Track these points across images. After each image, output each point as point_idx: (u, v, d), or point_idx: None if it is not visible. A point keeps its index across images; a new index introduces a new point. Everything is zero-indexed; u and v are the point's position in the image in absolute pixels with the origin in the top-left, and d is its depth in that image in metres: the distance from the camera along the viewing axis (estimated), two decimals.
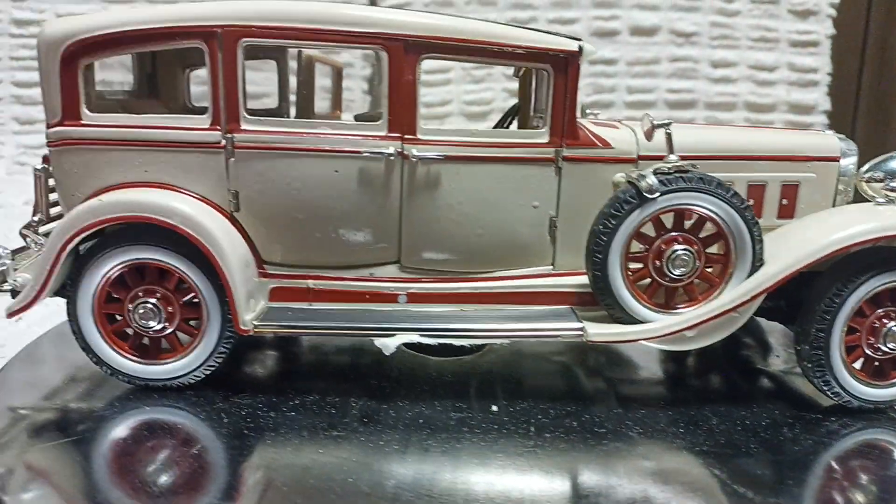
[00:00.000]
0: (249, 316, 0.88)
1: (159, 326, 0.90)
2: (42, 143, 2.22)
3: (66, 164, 0.89)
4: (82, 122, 0.88)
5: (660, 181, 0.86)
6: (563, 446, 0.82)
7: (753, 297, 0.87)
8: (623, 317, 0.90)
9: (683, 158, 0.89)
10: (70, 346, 0.93)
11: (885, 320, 0.89)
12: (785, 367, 1.07)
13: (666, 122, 0.88)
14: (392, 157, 0.88)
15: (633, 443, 0.83)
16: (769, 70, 2.35)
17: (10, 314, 0.90)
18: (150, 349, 0.92)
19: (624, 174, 0.92)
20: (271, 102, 1.22)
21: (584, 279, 0.93)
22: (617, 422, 0.87)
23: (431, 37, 0.87)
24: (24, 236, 0.96)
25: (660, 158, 0.91)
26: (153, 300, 0.90)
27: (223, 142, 0.88)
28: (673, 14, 2.32)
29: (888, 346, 0.89)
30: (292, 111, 1.22)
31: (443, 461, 0.78)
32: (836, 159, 1.00)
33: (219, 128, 0.88)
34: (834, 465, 0.81)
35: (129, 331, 0.91)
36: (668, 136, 0.88)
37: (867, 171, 0.91)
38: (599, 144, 0.94)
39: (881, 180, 0.89)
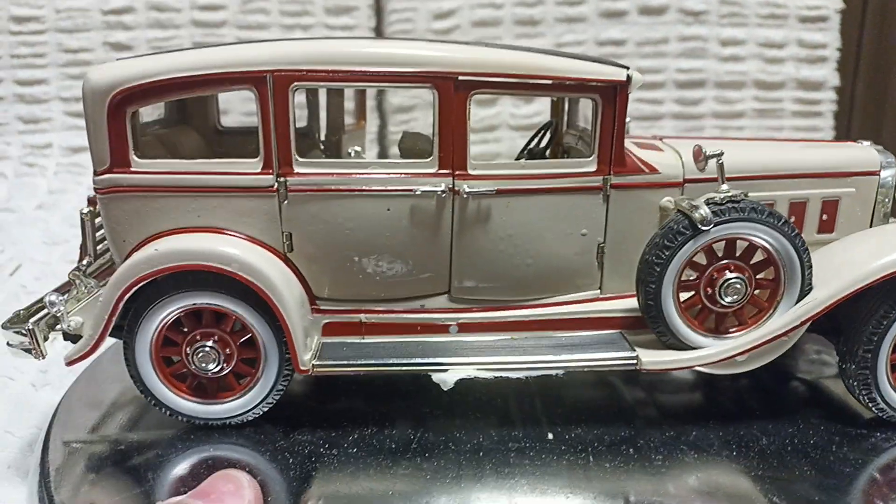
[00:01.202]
0: (308, 356, 0.89)
1: (217, 368, 0.90)
2: (48, 143, 2.20)
3: (115, 211, 0.88)
4: (132, 169, 0.87)
5: (713, 212, 0.87)
6: (623, 476, 0.83)
7: (803, 323, 0.89)
8: (675, 342, 0.91)
9: (728, 179, 0.90)
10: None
11: None
12: (822, 375, 1.09)
13: (718, 152, 0.88)
14: (443, 195, 0.88)
15: (690, 468, 0.85)
16: (778, 47, 2.33)
17: (70, 362, 0.90)
18: (208, 389, 0.93)
19: (672, 200, 0.93)
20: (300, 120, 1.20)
21: (631, 303, 0.94)
22: (671, 447, 0.89)
23: (481, 73, 0.86)
24: (72, 280, 0.95)
25: (705, 181, 0.92)
26: (210, 343, 0.89)
27: (276, 185, 0.88)
28: None
29: None
30: (322, 128, 1.21)
31: (498, 488, 0.80)
32: (876, 173, 1.00)
33: (271, 171, 0.87)
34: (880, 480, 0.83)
35: (187, 372, 0.91)
36: (721, 166, 0.88)
37: None
38: (646, 170, 0.94)
39: None
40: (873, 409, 0.93)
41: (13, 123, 2.19)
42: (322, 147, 1.20)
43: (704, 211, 0.86)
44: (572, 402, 1.00)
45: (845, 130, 2.41)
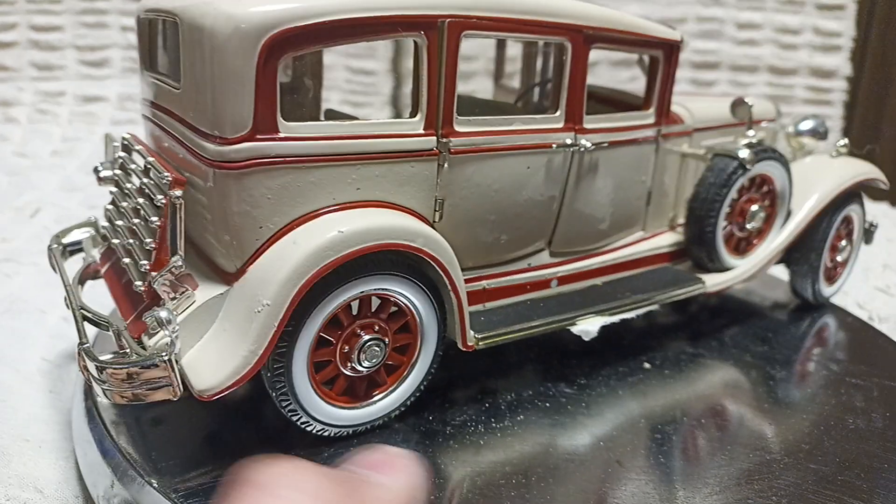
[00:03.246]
0: (472, 331, 0.80)
1: (377, 363, 0.76)
2: (62, 90, 2.17)
3: (257, 189, 0.68)
4: (280, 135, 0.67)
5: (754, 153, 1.00)
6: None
7: (796, 237, 1.08)
8: (716, 266, 1.04)
9: (699, 130, 1.05)
10: None
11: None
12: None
13: (751, 103, 1.03)
14: (571, 149, 0.86)
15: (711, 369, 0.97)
16: (794, 33, 2.34)
17: (213, 396, 0.66)
18: (357, 390, 0.78)
19: (696, 147, 1.05)
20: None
21: (669, 238, 1.05)
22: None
23: (604, 28, 0.85)
24: (165, 287, 0.69)
25: (704, 129, 1.07)
26: (371, 335, 0.75)
27: (437, 148, 0.77)
28: None
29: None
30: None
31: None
32: (775, 120, 1.20)
33: (433, 132, 0.76)
34: None
35: (337, 375, 0.76)
36: (751, 113, 1.04)
37: (795, 128, 1.16)
38: (678, 121, 1.02)
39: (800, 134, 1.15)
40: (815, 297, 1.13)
41: (27, 69, 2.16)
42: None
43: (748, 154, 0.99)
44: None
45: (850, 119, 2.44)
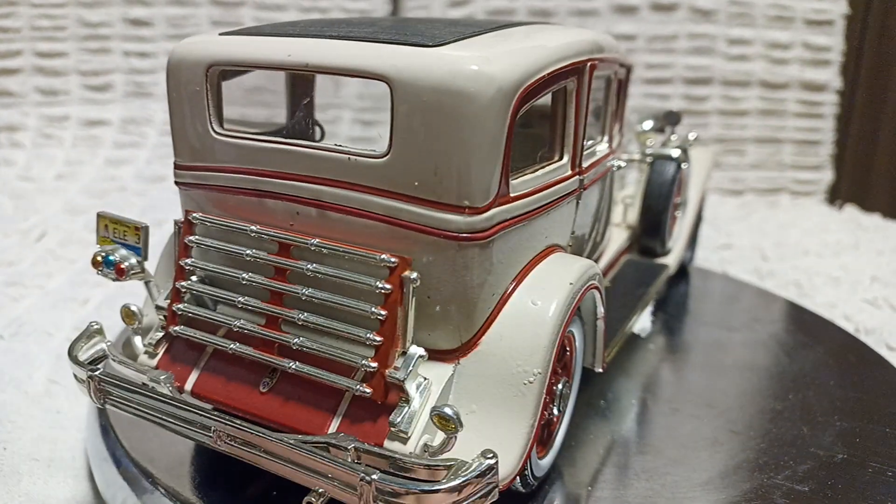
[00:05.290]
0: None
1: (561, 406, 0.74)
2: (66, 115, 2.21)
3: (495, 255, 0.64)
4: (511, 194, 0.64)
5: (682, 152, 1.18)
6: None
7: (696, 213, 1.30)
8: (662, 250, 1.17)
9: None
10: None
11: None
12: None
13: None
14: (617, 169, 0.97)
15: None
16: (784, 48, 2.39)
17: (510, 483, 0.61)
18: (543, 438, 0.73)
19: (651, 151, 1.17)
20: None
21: (620, 235, 1.14)
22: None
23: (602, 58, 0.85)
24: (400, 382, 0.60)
25: None
26: (561, 380, 0.73)
27: (579, 186, 0.78)
28: None
29: None
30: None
31: None
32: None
33: (576, 172, 0.77)
34: None
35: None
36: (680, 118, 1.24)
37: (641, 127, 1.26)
38: None
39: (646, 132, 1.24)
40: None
41: (31, 95, 2.21)
42: None
43: (680, 154, 1.17)
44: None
45: (844, 132, 2.47)
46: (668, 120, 1.26)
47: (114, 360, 0.69)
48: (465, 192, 0.59)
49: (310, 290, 0.64)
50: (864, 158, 2.47)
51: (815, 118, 2.41)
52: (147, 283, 0.73)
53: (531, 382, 0.62)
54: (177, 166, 0.73)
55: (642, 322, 0.99)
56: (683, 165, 1.17)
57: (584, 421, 0.85)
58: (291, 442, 0.57)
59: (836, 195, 2.40)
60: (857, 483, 0.74)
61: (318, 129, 0.92)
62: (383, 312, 0.61)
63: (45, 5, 2.18)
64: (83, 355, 0.70)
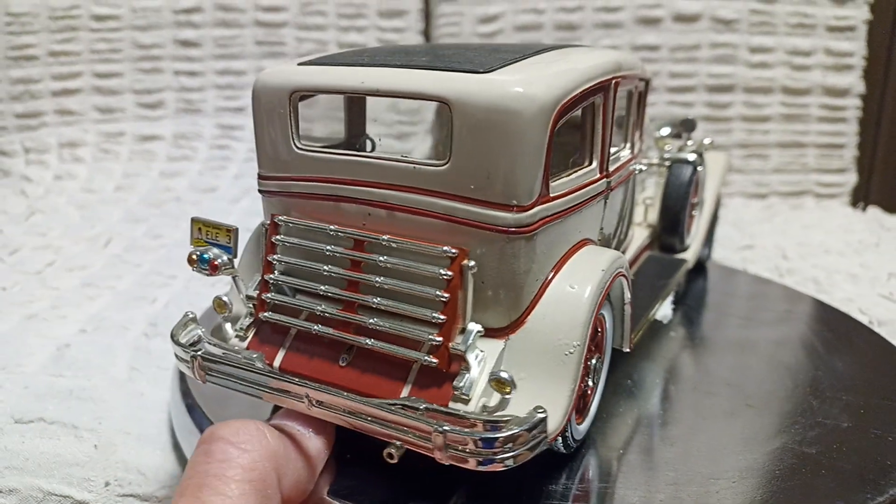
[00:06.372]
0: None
1: (597, 379, 0.86)
2: (122, 131, 2.36)
3: (538, 247, 0.75)
4: (551, 195, 0.75)
5: (699, 156, 1.27)
6: None
7: (713, 211, 1.40)
8: (681, 247, 1.26)
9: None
10: None
11: None
12: None
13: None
14: (638, 172, 1.09)
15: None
16: (806, 54, 2.44)
17: (556, 437, 0.71)
18: (579, 407, 0.83)
19: (669, 155, 1.27)
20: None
21: (641, 234, 1.22)
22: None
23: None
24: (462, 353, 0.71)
25: None
26: (595, 355, 0.84)
27: (606, 188, 0.90)
28: (714, 2, 2.41)
29: None
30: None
31: None
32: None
33: (604, 175, 0.89)
34: None
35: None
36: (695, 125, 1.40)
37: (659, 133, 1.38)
38: None
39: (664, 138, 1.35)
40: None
41: (90, 113, 2.37)
42: None
43: (696, 157, 1.26)
44: None
45: (872, 137, 2.52)
46: (685, 126, 1.36)
47: (209, 344, 0.79)
48: (513, 193, 0.71)
49: (382, 278, 0.76)
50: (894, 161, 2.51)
51: (838, 122, 2.46)
52: (234, 278, 0.83)
53: (571, 353, 0.72)
54: (261, 177, 0.85)
55: (664, 310, 1.08)
56: (699, 168, 1.27)
57: (614, 398, 0.94)
58: (376, 403, 0.69)
59: (860, 197, 2.44)
60: (860, 446, 0.82)
61: (369, 142, 1.04)
62: (446, 295, 0.72)
63: (102, 30, 2.34)
64: (183, 339, 0.80)
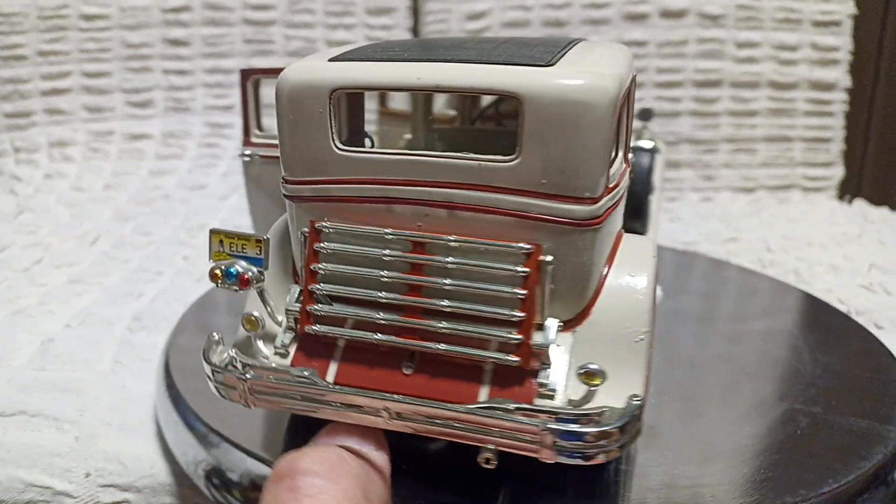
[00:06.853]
0: None
1: None
2: (111, 130, 2.37)
3: (606, 237, 0.75)
4: (609, 185, 0.73)
5: (654, 142, 1.27)
6: None
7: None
8: (641, 230, 1.20)
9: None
10: None
11: None
12: None
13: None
14: None
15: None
16: (792, 49, 2.45)
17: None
18: None
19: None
20: None
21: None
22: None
23: None
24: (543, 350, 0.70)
25: None
26: None
27: (629, 176, 0.92)
28: None
29: None
30: None
31: None
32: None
33: (628, 164, 0.88)
34: None
35: None
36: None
37: None
38: None
39: None
40: None
41: (79, 112, 2.38)
42: None
43: (654, 143, 1.25)
44: None
45: (862, 131, 2.53)
46: (642, 116, 1.37)
47: (258, 367, 0.73)
48: (587, 185, 0.70)
49: (450, 280, 0.72)
50: (884, 154, 2.52)
51: (825, 116, 2.46)
52: (261, 292, 0.76)
53: (641, 340, 0.72)
54: (290, 182, 0.78)
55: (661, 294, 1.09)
56: (656, 155, 1.27)
57: None
58: (467, 409, 0.67)
59: (848, 190, 2.46)
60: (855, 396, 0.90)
61: (368, 140, 1.02)
62: (524, 292, 0.70)
63: (91, 29, 2.34)
64: (216, 360, 0.75)
